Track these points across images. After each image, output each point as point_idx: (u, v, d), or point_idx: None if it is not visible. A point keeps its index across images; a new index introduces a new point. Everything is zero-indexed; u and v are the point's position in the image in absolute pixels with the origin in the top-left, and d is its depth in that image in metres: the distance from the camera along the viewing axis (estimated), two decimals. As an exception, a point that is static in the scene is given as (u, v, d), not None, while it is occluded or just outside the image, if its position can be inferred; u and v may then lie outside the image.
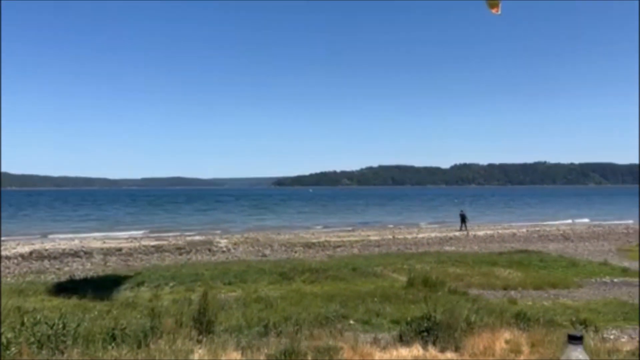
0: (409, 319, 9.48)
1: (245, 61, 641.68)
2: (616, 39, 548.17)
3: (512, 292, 13.43)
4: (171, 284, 14.50)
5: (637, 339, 9.44)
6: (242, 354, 6.46)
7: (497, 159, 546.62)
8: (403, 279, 14.82)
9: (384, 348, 6.99)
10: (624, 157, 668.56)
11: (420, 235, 34.73)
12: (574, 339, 2.20)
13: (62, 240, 31.20)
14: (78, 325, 6.79)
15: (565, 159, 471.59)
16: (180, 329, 7.16)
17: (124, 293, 13.09)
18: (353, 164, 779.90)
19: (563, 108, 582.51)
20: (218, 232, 39.51)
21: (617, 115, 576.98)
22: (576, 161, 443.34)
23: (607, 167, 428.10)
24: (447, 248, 26.89)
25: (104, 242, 30.81)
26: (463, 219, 39.12)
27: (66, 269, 20.24)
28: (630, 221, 49.93)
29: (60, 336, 6.32)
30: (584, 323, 9.81)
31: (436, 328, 8.12)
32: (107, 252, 25.63)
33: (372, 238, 32.86)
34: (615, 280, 15.61)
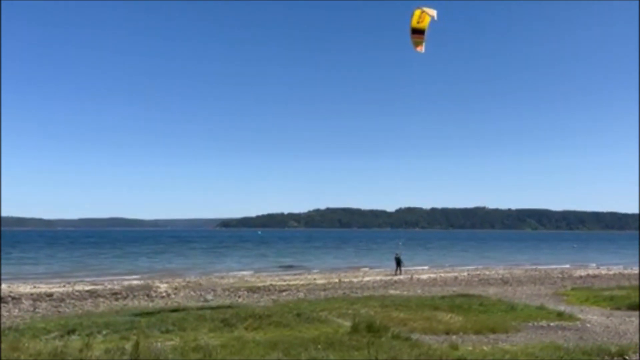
0: (351, 366, 9.40)
1: (187, 99, 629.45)
2: (554, 90, 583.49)
3: (454, 337, 13.53)
4: (104, 332, 13.71)
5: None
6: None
7: (440, 204, 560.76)
8: (347, 324, 14.68)
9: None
10: (558, 204, 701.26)
11: (366, 279, 34.84)
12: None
13: (-13, 285, 29.13)
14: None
15: (503, 205, 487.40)
16: (110, 382, 6.77)
17: (52, 342, 12.26)
18: (300, 206, 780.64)
19: (500, 156, 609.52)
20: (158, 276, 38.15)
21: (552, 164, 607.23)
22: (513, 207, 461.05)
23: (543, 213, 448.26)
24: (392, 291, 27.02)
25: (34, 287, 29.03)
26: (398, 262, 40.29)
27: (-11, 316, 18.85)
28: (567, 265, 52.24)
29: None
30: (522, 368, 9.99)
31: (378, 376, 8.07)
32: (37, 298, 24.16)
33: (318, 282, 32.64)
34: (552, 324, 16.06)
